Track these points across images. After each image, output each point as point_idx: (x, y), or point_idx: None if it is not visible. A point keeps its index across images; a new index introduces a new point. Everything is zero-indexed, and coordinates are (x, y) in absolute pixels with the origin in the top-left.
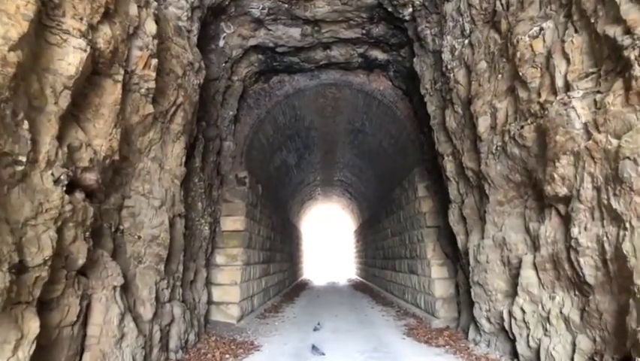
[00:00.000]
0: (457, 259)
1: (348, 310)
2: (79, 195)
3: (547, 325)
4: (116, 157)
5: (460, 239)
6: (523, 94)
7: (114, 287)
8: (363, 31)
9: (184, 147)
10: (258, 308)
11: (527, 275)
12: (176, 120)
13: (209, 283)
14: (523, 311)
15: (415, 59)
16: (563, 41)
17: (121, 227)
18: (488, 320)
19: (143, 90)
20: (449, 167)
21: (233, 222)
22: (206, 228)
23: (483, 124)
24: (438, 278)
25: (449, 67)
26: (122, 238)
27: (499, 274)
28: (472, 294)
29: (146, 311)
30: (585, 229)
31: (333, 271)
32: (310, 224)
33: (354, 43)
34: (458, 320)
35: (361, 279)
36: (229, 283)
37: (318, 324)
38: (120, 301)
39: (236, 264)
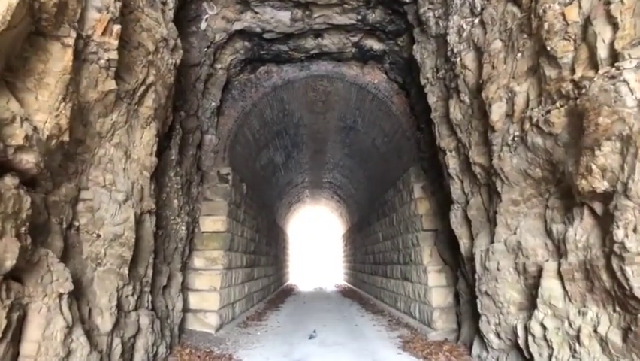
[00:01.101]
0: (458, 266)
1: (337, 320)
2: (10, 181)
3: (577, 345)
4: (65, 138)
5: (463, 243)
6: (550, 72)
7: (60, 295)
8: (359, 17)
9: (156, 135)
10: (239, 316)
11: (550, 286)
12: (146, 103)
13: (185, 288)
14: (544, 328)
15: (414, 47)
16: (608, 3)
17: (76, 223)
18: (497, 334)
19: (102, 62)
20: (452, 163)
21: (213, 223)
22: (183, 228)
23: (497, 112)
24: (435, 286)
25: (455, 51)
26: (78, 236)
27: (512, 284)
28: (479, 305)
29: (105, 322)
30: (635, 230)
31: (320, 276)
32: (297, 227)
33: (348, 31)
34: (458, 333)
35: (349, 285)
36: (208, 289)
37: (314, 332)
38: (67, 312)
39: (216, 268)
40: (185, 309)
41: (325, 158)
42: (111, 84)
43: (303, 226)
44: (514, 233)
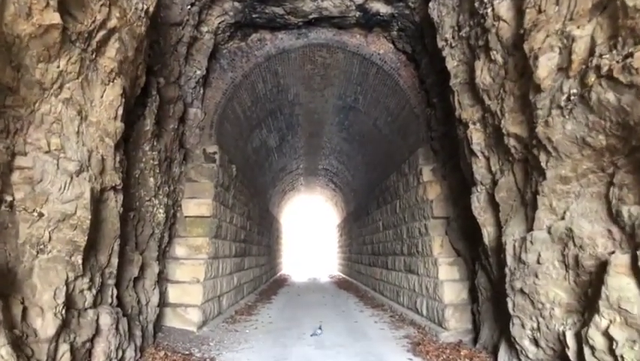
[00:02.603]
0: (474, 258)
1: (335, 315)
2: None
3: None
4: None
5: (486, 232)
6: (635, 0)
7: None
8: None
9: (121, 95)
10: (227, 310)
11: (619, 285)
12: (108, 53)
13: (164, 280)
14: (611, 339)
15: (430, 4)
16: None
17: (8, 198)
18: (535, 341)
19: None
20: (476, 138)
21: (197, 206)
22: (161, 211)
23: (545, 66)
24: (447, 280)
25: (486, 0)
26: (11, 214)
27: (559, 281)
28: (510, 305)
29: (46, 325)
30: None
31: (314, 266)
32: (291, 216)
33: None
34: (474, 334)
35: (344, 276)
36: (190, 281)
37: (320, 328)
38: None
39: (200, 257)
40: (164, 303)
41: (321, 142)
42: (53, 17)
43: (297, 215)
44: (562, 218)
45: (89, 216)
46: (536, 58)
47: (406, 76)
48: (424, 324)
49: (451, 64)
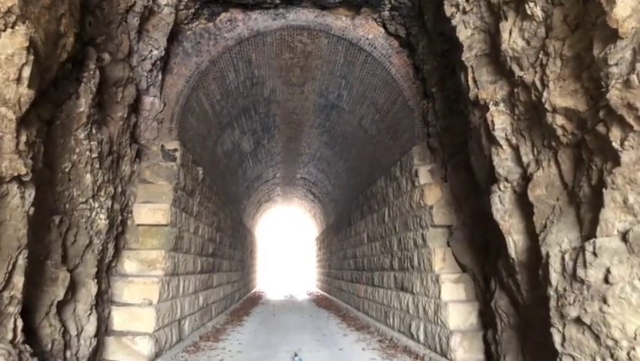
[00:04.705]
0: (491, 274)
1: (315, 341)
2: None
3: None
4: None
5: (512, 241)
6: None
7: None
8: None
9: (27, 49)
10: (190, 336)
11: None
12: None
13: (108, 302)
14: None
15: None
16: None
17: None
18: None
19: None
20: (500, 121)
21: (152, 213)
22: (102, 216)
23: (626, 5)
24: (452, 301)
25: None
26: None
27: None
28: (558, 338)
29: None
30: None
31: (291, 282)
32: (267, 229)
33: None
34: None
35: (324, 292)
36: (139, 304)
37: (297, 357)
38: None
39: (154, 274)
40: (106, 332)
41: (300, 148)
42: None
43: (273, 228)
44: None
45: None
46: None
47: (398, 64)
48: (422, 353)
49: (463, 34)
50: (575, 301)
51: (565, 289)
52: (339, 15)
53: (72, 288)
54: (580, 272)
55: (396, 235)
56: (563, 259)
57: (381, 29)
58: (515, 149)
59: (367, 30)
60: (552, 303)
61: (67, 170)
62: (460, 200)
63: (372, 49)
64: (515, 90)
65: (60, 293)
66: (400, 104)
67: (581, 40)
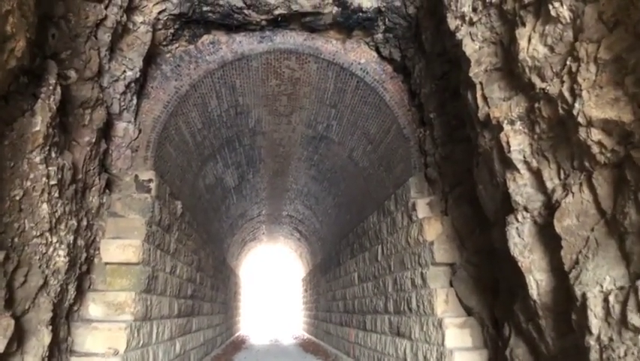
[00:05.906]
0: (505, 318)
1: None
2: None
3: None
4: None
5: (534, 280)
6: None
7: None
8: None
9: None
10: None
11: None
12: None
13: (65, 352)
14: None
15: None
16: None
17: None
18: None
19: None
20: (517, 142)
21: (121, 250)
22: (61, 253)
23: None
24: (458, 349)
25: None
26: None
27: None
28: None
29: None
30: None
31: (276, 325)
32: (251, 269)
33: None
34: None
35: (310, 336)
36: (104, 353)
37: None
38: None
39: (122, 319)
40: None
41: (287, 183)
42: None
43: (258, 268)
44: None
45: None
46: None
47: (392, 90)
48: None
49: (470, 47)
50: (626, 354)
51: (611, 339)
52: (330, 38)
53: (19, 337)
54: (632, 318)
55: (391, 275)
56: (606, 301)
57: (374, 53)
58: (536, 173)
59: (359, 54)
60: (593, 355)
61: (17, 198)
62: (462, 235)
63: (365, 74)
64: (536, 105)
65: (0, 345)
66: (394, 133)
67: (622, 40)
